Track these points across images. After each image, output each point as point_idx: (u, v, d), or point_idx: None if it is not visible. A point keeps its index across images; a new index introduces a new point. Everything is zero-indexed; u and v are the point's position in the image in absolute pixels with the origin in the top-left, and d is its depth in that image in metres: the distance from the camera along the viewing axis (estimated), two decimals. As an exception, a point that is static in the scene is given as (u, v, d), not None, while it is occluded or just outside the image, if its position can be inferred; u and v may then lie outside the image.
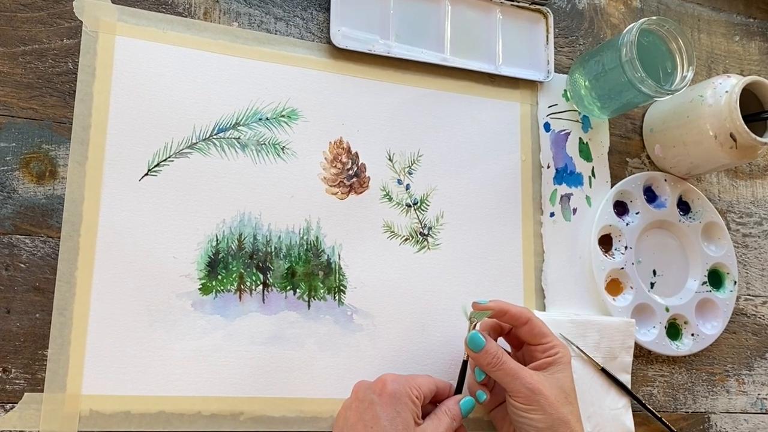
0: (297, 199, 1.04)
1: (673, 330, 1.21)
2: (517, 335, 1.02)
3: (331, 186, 1.06)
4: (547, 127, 1.20)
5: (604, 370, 1.11)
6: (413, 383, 0.94)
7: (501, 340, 1.06)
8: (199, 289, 0.98)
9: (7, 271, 0.92)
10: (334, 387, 1.01)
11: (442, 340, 1.08)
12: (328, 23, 1.10)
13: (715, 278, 1.26)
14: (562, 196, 1.18)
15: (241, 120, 1.04)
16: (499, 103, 1.18)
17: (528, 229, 1.16)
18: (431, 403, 0.98)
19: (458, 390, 1.01)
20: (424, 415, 0.95)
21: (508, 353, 1.02)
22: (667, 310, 1.19)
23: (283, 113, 1.06)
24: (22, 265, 0.92)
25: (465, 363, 1.00)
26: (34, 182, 0.94)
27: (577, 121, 1.22)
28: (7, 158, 0.94)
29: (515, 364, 0.95)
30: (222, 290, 0.99)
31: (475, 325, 0.98)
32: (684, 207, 1.26)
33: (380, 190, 1.09)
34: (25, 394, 0.90)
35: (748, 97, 1.14)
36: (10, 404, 0.89)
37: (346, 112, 1.09)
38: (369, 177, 1.08)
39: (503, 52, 1.18)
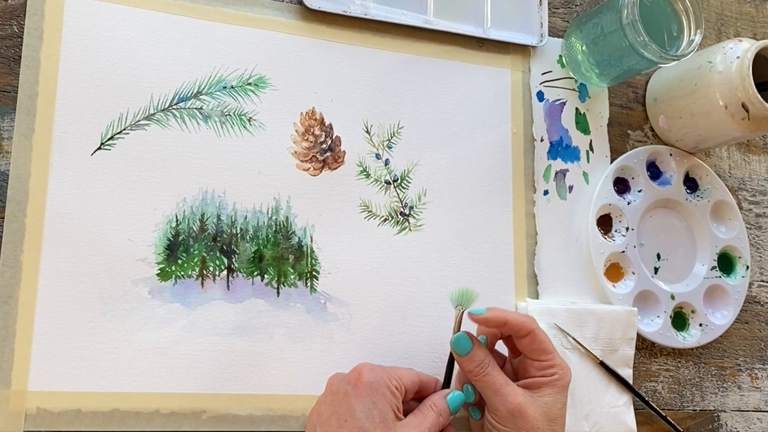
0: (265, 175, 1.05)
1: (680, 320, 1.22)
2: (518, 347, 1.00)
3: (302, 161, 1.07)
4: (540, 96, 1.21)
5: (603, 364, 1.12)
6: (393, 374, 0.94)
7: (499, 344, 1.05)
8: (158, 274, 0.98)
9: (-55, 255, 0.92)
10: (306, 382, 1.02)
11: (425, 330, 1.08)
12: (300, -18, 1.11)
13: (726, 263, 1.27)
14: (556, 173, 1.19)
15: (203, 88, 1.04)
16: (488, 69, 1.18)
17: (519, 208, 1.16)
18: (415, 400, 0.98)
19: (446, 385, 1.00)
20: (407, 413, 0.94)
21: (504, 358, 1.03)
22: (673, 297, 1.20)
23: (250, 81, 1.06)
24: (-39, 249, 0.93)
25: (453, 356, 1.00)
26: (-27, 157, 0.94)
27: (574, 89, 1.23)
28: (-56, 130, 0.94)
29: (501, 377, 0.94)
30: (182, 276, 1.00)
31: (461, 316, 0.98)
32: (691, 184, 1.27)
33: (357, 166, 1.09)
34: (-35, 390, 0.90)
35: (761, 63, 1.14)
36: (-51, 401, 0.90)
37: (320, 80, 1.10)
38: (344, 151, 1.09)
39: (492, 14, 1.19)
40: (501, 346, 1.04)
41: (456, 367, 1.00)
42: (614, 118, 1.25)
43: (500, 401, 0.92)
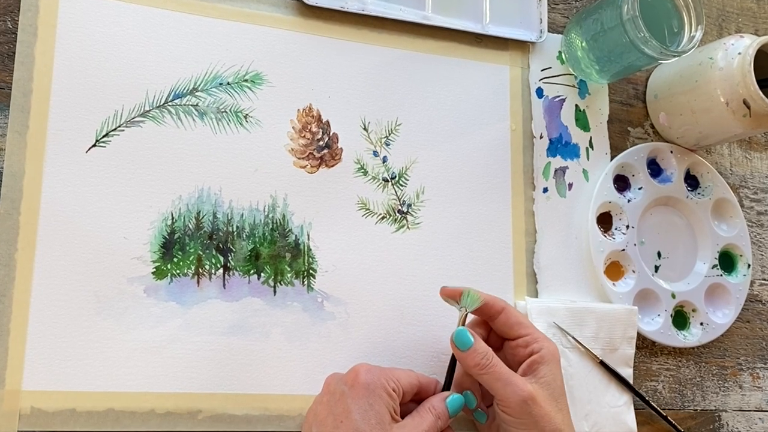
0: (261, 172, 1.05)
1: (680, 318, 1.22)
2: (494, 330, 1.01)
3: (299, 158, 1.07)
4: (539, 92, 1.21)
5: (603, 364, 1.12)
6: (390, 375, 0.94)
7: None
8: (153, 273, 0.98)
9: (-62, 253, 0.92)
10: (303, 382, 1.02)
11: (422, 329, 1.08)
12: (297, -23, 1.10)
13: (727, 261, 1.27)
14: (556, 170, 1.19)
15: (199, 85, 1.04)
16: (487, 66, 1.18)
17: (518, 206, 1.16)
18: (414, 401, 0.98)
19: (446, 387, 1.00)
20: (406, 414, 0.94)
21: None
22: (674, 296, 1.20)
23: (246, 77, 1.06)
24: (-45, 247, 0.92)
25: (454, 357, 0.99)
26: (-33, 154, 0.94)
27: (573, 86, 1.23)
28: (-63, 127, 0.94)
29: (507, 368, 0.94)
30: (178, 274, 0.99)
31: (465, 317, 0.98)
32: (692, 182, 1.27)
33: (354, 163, 1.09)
34: (-41, 389, 0.90)
35: (763, 59, 1.13)
36: (-58, 401, 0.90)
37: (317, 77, 1.10)
38: (341, 148, 1.09)
39: (491, 10, 1.19)
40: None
41: (455, 372, 1.00)
42: (614, 115, 1.25)
43: (512, 391, 0.92)
